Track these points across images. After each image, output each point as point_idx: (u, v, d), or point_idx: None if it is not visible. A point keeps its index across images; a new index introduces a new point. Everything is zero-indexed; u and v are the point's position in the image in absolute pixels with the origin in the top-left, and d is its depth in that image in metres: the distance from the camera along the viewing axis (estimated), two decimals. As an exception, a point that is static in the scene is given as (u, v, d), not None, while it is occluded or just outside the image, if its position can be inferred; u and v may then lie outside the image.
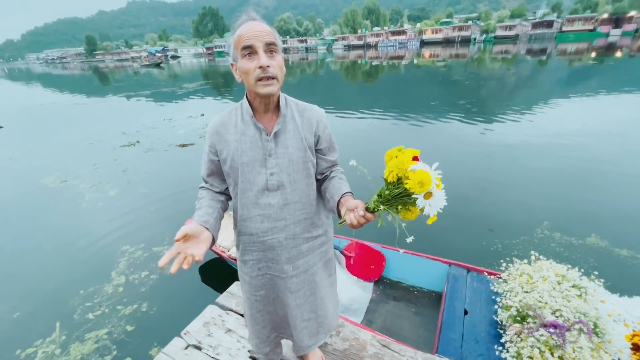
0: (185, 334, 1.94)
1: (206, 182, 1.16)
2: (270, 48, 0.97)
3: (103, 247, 3.62)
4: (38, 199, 5.06)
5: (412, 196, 0.83)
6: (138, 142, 7.66)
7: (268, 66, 0.95)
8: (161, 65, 48.20)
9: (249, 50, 0.95)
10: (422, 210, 0.85)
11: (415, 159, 0.87)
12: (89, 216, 4.37)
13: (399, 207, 0.87)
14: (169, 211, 4.36)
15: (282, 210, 1.12)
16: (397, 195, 0.85)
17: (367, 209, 0.91)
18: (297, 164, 1.10)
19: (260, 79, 0.96)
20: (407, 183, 0.82)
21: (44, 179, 5.73)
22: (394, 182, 0.86)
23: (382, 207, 0.88)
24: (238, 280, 1.33)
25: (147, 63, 52.42)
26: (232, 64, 1.05)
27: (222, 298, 2.21)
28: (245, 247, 1.20)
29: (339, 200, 1.05)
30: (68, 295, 2.88)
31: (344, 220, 0.97)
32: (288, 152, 1.08)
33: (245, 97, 1.09)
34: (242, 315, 2.05)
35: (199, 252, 0.90)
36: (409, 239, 0.91)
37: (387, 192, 0.87)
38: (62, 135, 8.95)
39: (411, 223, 0.88)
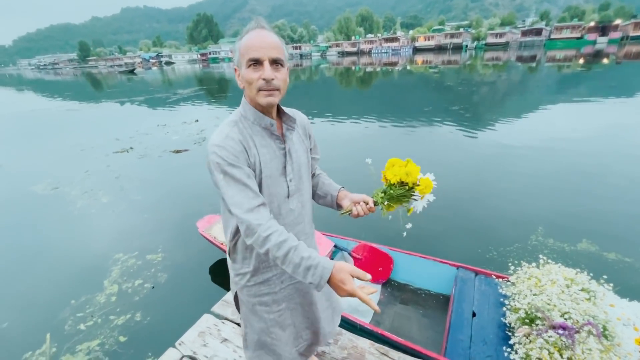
0: (180, 344, 1.90)
1: (262, 210, 0.97)
2: (276, 62, 0.96)
3: (95, 255, 3.55)
4: (28, 206, 4.97)
5: (414, 196, 1.11)
6: (131, 148, 7.58)
7: (272, 79, 0.95)
8: (135, 72, 50.01)
9: (255, 62, 0.94)
10: (412, 209, 1.14)
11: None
12: (81, 224, 4.29)
13: (400, 203, 1.12)
14: (163, 218, 4.30)
15: (300, 214, 1.15)
16: (400, 194, 1.10)
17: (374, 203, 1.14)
18: (305, 166, 1.15)
19: (262, 89, 0.96)
20: (417, 186, 1.09)
21: (34, 186, 5.63)
22: (395, 184, 1.10)
23: (386, 202, 1.12)
24: None
25: (121, 70, 56.91)
26: (235, 69, 1.03)
27: (218, 307, 2.17)
28: (266, 266, 1.13)
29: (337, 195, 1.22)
30: (59, 305, 2.81)
31: (349, 211, 1.15)
32: (298, 156, 1.11)
33: (243, 105, 1.05)
34: (238, 324, 2.02)
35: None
36: (408, 225, 1.19)
37: (391, 191, 1.11)
38: (54, 142, 8.84)
39: (416, 226, 1.01)
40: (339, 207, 1.24)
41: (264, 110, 1.03)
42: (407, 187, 1.10)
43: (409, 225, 1.19)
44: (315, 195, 1.29)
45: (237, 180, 0.95)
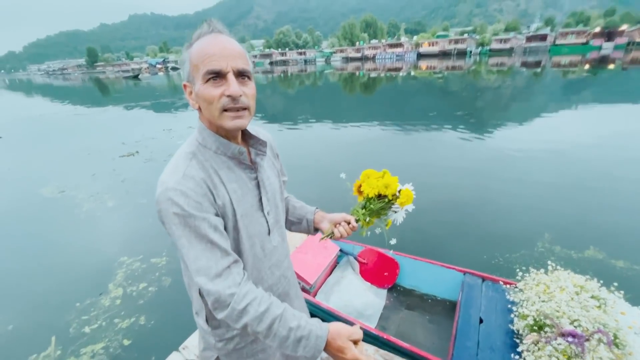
0: (183, 348, 1.90)
1: (233, 273, 0.76)
2: (242, 74, 0.77)
3: (100, 258, 3.57)
4: (35, 209, 5.02)
5: (393, 207, 1.07)
6: (137, 152, 7.66)
7: (240, 95, 0.75)
8: (139, 77, 51.20)
9: (216, 75, 0.74)
10: (390, 221, 1.09)
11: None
12: (87, 226, 4.33)
13: (379, 217, 1.08)
14: (168, 222, 4.32)
15: (282, 247, 0.99)
16: (380, 208, 1.05)
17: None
18: (279, 193, 0.99)
19: (227, 110, 0.76)
20: (397, 198, 1.04)
21: (41, 189, 5.69)
22: (374, 197, 1.05)
23: (368, 218, 1.06)
24: None
25: (126, 75, 58.30)
26: (184, 85, 0.82)
27: (222, 311, 2.17)
28: None
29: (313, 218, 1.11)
30: (64, 308, 2.82)
31: (331, 234, 1.05)
32: (271, 184, 0.94)
33: (199, 131, 0.84)
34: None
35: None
36: (392, 241, 1.17)
37: (371, 205, 1.05)
38: (61, 146, 8.95)
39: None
40: (316, 231, 1.12)
41: (229, 135, 0.83)
42: (386, 200, 1.05)
43: (393, 241, 1.16)
44: (286, 222, 1.12)
45: (200, 237, 0.73)
